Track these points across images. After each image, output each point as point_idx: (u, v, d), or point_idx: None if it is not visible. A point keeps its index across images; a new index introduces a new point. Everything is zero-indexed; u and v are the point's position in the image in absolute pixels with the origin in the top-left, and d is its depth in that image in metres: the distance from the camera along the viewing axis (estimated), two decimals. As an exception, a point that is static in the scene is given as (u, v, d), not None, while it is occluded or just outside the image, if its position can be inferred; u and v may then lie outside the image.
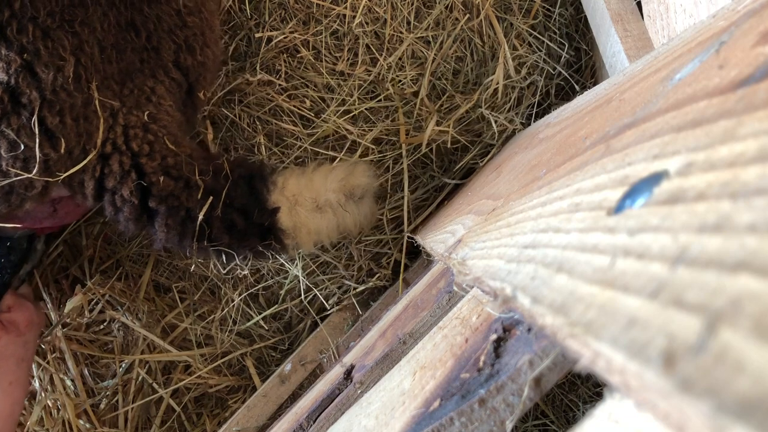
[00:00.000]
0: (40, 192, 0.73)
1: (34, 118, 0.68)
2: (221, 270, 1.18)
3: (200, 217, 0.78)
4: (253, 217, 0.83)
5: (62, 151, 0.71)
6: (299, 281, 1.16)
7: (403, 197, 1.14)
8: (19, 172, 0.68)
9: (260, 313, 1.19)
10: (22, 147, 0.68)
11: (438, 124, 1.15)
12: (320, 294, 1.17)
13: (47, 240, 1.12)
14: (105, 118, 0.76)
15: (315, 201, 0.89)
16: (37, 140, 0.68)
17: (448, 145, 1.15)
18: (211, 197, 0.80)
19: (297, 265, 1.15)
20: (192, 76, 0.92)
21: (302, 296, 1.18)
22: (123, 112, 0.79)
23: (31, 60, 0.67)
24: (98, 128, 0.76)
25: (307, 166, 0.94)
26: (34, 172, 0.69)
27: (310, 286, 1.16)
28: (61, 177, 0.73)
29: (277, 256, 1.06)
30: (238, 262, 0.85)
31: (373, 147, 1.16)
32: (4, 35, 0.66)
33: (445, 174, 1.17)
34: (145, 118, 0.80)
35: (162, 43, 0.85)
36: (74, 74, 0.71)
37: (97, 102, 0.75)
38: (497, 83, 1.17)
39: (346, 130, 1.15)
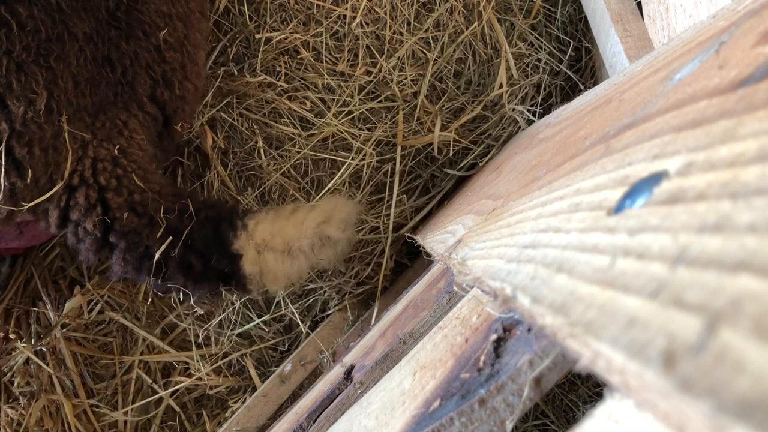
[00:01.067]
0: (5, 217, 0.74)
1: (2, 148, 0.69)
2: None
3: (156, 255, 0.78)
4: (212, 261, 0.82)
5: (28, 180, 0.72)
6: (301, 284, 1.16)
7: (401, 199, 1.14)
8: None
9: (260, 316, 1.19)
10: None
11: (443, 128, 1.15)
12: (319, 298, 1.17)
13: (12, 263, 1.12)
14: (74, 150, 0.77)
15: (287, 245, 0.87)
16: (3, 170, 0.69)
17: (450, 154, 1.15)
18: (171, 237, 0.79)
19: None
20: (169, 109, 0.92)
21: (305, 298, 1.18)
22: (93, 145, 0.79)
23: (2, 92, 0.68)
24: (66, 159, 0.76)
25: (284, 207, 0.91)
26: None
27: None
28: (25, 207, 0.74)
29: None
30: (193, 303, 0.84)
31: (373, 150, 1.16)
32: None
33: (448, 170, 1.17)
34: (116, 152, 0.80)
35: (137, 78, 0.85)
36: (46, 107, 0.72)
37: (66, 134, 0.75)
38: (501, 84, 1.17)
39: (351, 135, 1.15)
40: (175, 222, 0.80)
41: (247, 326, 1.18)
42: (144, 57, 0.85)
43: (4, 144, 0.69)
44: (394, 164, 1.17)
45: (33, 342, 1.14)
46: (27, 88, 0.70)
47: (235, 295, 0.99)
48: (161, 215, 0.80)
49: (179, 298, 0.83)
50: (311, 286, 1.16)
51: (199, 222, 0.82)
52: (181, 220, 0.81)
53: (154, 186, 0.83)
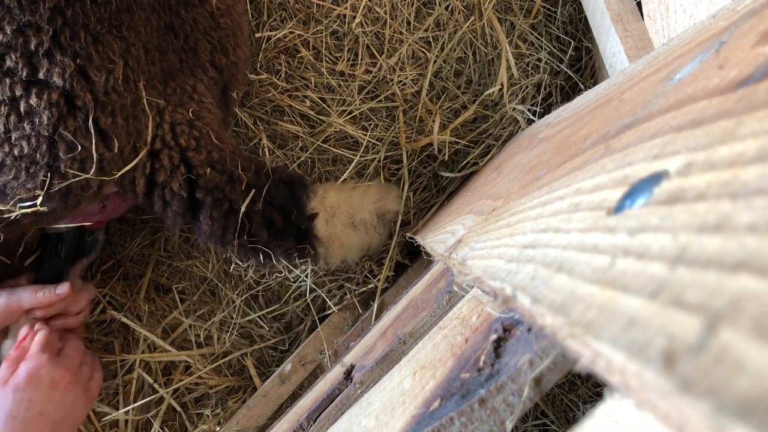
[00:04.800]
0: (95, 192, 0.75)
1: (90, 119, 0.71)
2: (224, 271, 1.18)
3: (242, 208, 0.81)
4: (291, 217, 0.86)
5: (115, 150, 0.74)
6: (302, 284, 1.16)
7: (405, 198, 1.14)
8: (76, 173, 0.71)
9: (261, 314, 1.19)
10: (79, 148, 0.70)
11: (443, 127, 1.15)
12: (323, 294, 1.17)
13: (107, 230, 1.11)
14: (153, 116, 0.80)
15: (351, 217, 0.92)
16: (93, 140, 0.71)
17: (446, 157, 1.15)
18: (253, 191, 0.83)
19: (307, 270, 1.15)
20: (226, 76, 0.95)
21: (306, 296, 1.18)
22: (169, 110, 0.82)
23: (83, 64, 0.71)
24: (147, 126, 0.79)
25: (346, 183, 0.96)
26: (92, 172, 0.72)
27: (315, 288, 1.16)
28: (117, 176, 0.76)
29: (306, 263, 1.07)
30: (275, 262, 0.87)
31: (377, 143, 1.16)
32: (58, 42, 0.69)
33: (447, 170, 1.18)
34: (190, 115, 0.84)
35: (199, 43, 0.89)
36: (123, 76, 0.75)
37: (144, 101, 0.78)
38: (501, 84, 1.17)
39: (359, 134, 1.15)
40: (253, 179, 0.84)
41: (248, 318, 1.19)
42: (201, 24, 0.89)
43: (91, 116, 0.71)
44: (399, 163, 1.17)
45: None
46: (105, 59, 0.73)
47: (299, 262, 1.01)
48: (240, 172, 0.83)
49: (259, 260, 0.86)
50: (315, 279, 1.16)
51: (275, 181, 0.86)
52: (259, 178, 0.85)
53: (228, 146, 0.86)
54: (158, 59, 0.82)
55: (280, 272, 1.17)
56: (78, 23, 0.70)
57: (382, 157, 1.15)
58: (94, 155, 0.71)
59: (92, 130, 0.71)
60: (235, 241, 0.83)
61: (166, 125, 0.81)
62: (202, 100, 0.87)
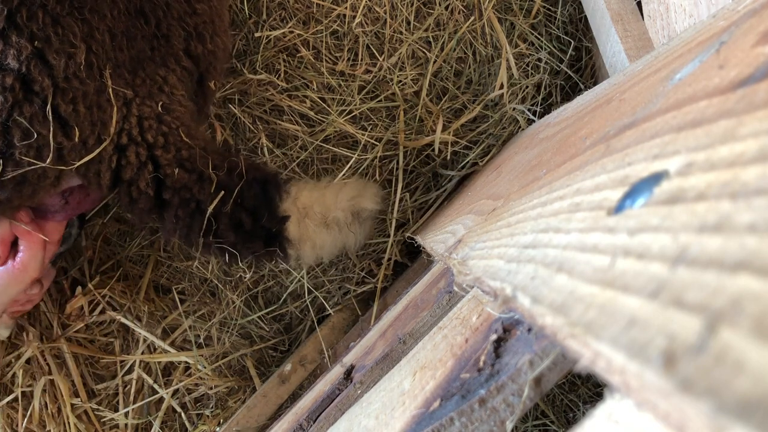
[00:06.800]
0: (52, 182, 0.72)
1: (48, 105, 0.67)
2: (224, 272, 1.18)
3: (209, 210, 0.78)
4: (262, 220, 0.83)
5: (76, 139, 0.70)
6: (301, 284, 1.16)
7: (402, 198, 1.14)
8: (32, 161, 0.67)
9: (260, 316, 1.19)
10: (36, 135, 0.67)
11: (444, 128, 1.15)
12: (320, 295, 1.17)
13: (81, 225, 1.09)
14: (119, 107, 0.76)
15: (324, 216, 0.90)
16: (51, 128, 0.67)
17: (448, 157, 1.15)
18: (223, 192, 0.79)
19: (302, 269, 1.15)
20: (203, 66, 0.91)
21: (305, 297, 1.18)
22: (137, 102, 0.78)
23: (42, 47, 0.67)
24: (112, 117, 0.75)
25: (320, 181, 0.94)
26: (48, 161, 0.68)
27: (312, 289, 1.16)
28: (75, 165, 0.72)
29: (279, 263, 1.06)
30: (240, 265, 0.85)
31: (376, 143, 1.16)
32: (14, 22, 0.65)
33: (447, 170, 1.18)
34: (159, 108, 0.80)
35: (172, 30, 0.84)
36: (86, 61, 0.71)
37: (110, 90, 0.74)
38: (501, 84, 1.17)
39: (358, 133, 1.15)
40: (225, 179, 0.81)
41: (247, 318, 1.19)
42: (176, 9, 0.84)
43: (49, 101, 0.67)
44: (397, 163, 1.17)
45: (36, 343, 1.14)
46: (65, 42, 0.68)
47: (269, 262, 0.99)
48: (211, 171, 0.80)
49: (224, 260, 0.84)
50: (315, 280, 1.16)
51: (248, 181, 0.83)
52: (231, 178, 0.82)
53: (199, 142, 0.83)
54: (126, 46, 0.77)
55: (278, 274, 1.17)
56: (35, 3, 0.66)
57: (378, 156, 1.15)
58: (52, 143, 0.67)
59: (50, 117, 0.67)
60: (200, 240, 0.80)
61: (133, 119, 0.77)
62: (173, 92, 0.83)
